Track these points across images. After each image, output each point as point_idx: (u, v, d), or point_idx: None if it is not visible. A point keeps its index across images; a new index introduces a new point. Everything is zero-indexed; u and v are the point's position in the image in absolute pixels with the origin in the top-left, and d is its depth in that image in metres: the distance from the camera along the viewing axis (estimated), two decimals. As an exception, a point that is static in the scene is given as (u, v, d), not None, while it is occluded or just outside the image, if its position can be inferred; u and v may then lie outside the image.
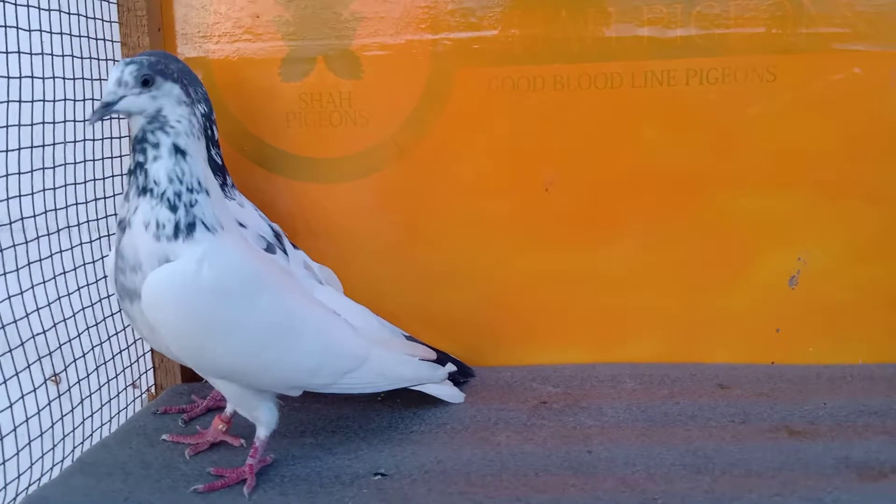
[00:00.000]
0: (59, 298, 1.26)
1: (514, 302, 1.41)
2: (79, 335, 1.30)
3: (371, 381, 1.11)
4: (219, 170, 1.22)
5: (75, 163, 1.30)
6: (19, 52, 1.18)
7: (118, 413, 1.39)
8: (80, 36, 1.30)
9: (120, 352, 1.39)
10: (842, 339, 1.36)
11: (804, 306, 1.37)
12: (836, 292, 1.36)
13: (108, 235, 1.37)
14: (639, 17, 1.32)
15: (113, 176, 1.37)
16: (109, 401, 1.37)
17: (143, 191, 0.95)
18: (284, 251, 1.24)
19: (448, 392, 1.25)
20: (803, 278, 1.36)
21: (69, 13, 1.28)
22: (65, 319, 1.28)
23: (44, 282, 1.24)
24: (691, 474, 1.00)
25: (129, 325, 1.41)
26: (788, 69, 1.31)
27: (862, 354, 1.36)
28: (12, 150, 1.17)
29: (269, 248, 1.21)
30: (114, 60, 1.35)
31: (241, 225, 1.18)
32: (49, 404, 1.24)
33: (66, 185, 1.28)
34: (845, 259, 1.35)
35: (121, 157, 1.38)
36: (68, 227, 1.29)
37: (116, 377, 1.39)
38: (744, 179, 1.35)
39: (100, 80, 1.33)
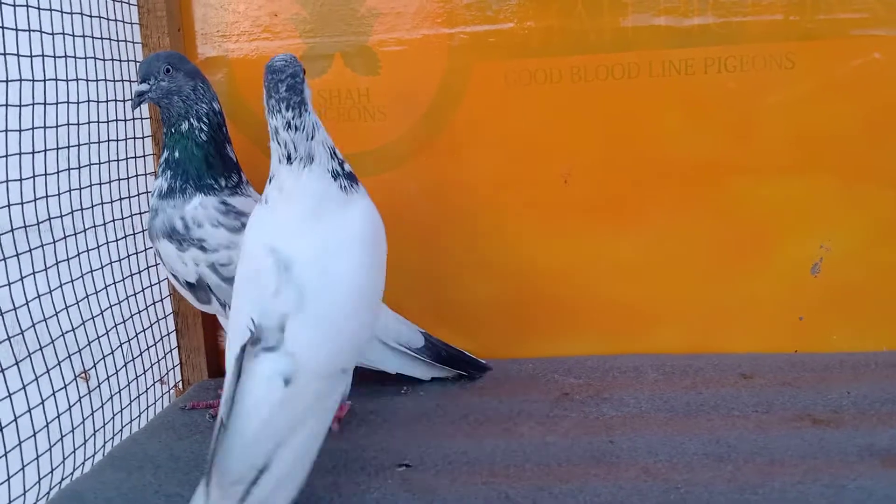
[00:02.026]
0: (87, 297, 1.29)
1: (534, 294, 1.42)
2: (107, 332, 1.32)
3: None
4: (234, 167, 1.23)
5: (100, 163, 1.32)
6: (43, 56, 1.20)
7: (147, 408, 1.41)
8: (101, 38, 1.32)
9: (147, 348, 1.41)
10: (865, 326, 1.36)
11: (827, 294, 1.36)
12: (860, 279, 1.35)
13: (134, 234, 1.39)
14: (655, 7, 1.32)
15: (137, 175, 1.39)
16: (138, 397, 1.39)
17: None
18: None
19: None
20: (826, 266, 1.36)
21: (90, 16, 1.30)
22: (93, 317, 1.30)
23: (72, 280, 1.26)
24: (714, 463, 1.00)
25: (155, 323, 1.43)
26: (807, 56, 1.30)
27: (886, 342, 1.35)
28: (38, 152, 1.19)
29: None
30: (135, 62, 1.37)
31: None
32: (79, 401, 1.26)
33: (91, 186, 1.30)
34: (868, 246, 1.34)
35: (144, 157, 1.40)
36: (94, 226, 1.31)
37: (144, 373, 1.41)
38: (764, 167, 1.34)
39: (122, 81, 1.36)
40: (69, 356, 1.25)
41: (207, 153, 1.19)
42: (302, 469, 0.94)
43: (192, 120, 1.19)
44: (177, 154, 1.19)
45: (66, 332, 1.24)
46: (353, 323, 1.03)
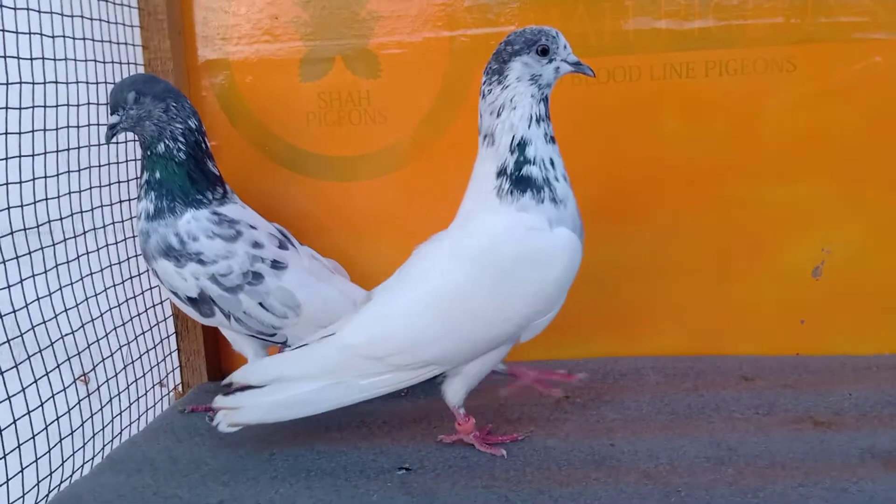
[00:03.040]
0: (86, 299, 1.29)
1: (535, 297, 1.41)
2: (106, 335, 1.32)
3: None
4: (217, 180, 1.23)
5: (100, 165, 1.32)
6: (43, 59, 1.20)
7: (146, 411, 1.41)
8: (102, 41, 1.32)
9: (147, 351, 1.41)
10: (867, 329, 1.35)
11: (829, 297, 1.36)
12: (861, 282, 1.35)
13: (134, 237, 1.39)
14: (656, 10, 1.32)
15: (137, 178, 1.39)
16: (137, 399, 1.39)
17: None
18: (295, 246, 1.26)
19: None
20: (827, 268, 1.35)
21: (91, 19, 1.30)
22: (92, 320, 1.30)
23: (71, 283, 1.26)
24: (715, 466, 1.00)
25: (155, 325, 1.43)
26: (808, 59, 1.30)
27: (887, 344, 1.34)
28: (38, 154, 1.19)
29: (282, 245, 1.23)
30: (136, 64, 1.37)
31: (251, 227, 1.20)
32: (78, 403, 1.26)
33: (91, 188, 1.31)
34: (869, 248, 1.34)
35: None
36: (94, 228, 1.31)
37: (144, 376, 1.41)
38: (765, 170, 1.34)
39: (123, 83, 1.36)
40: (69, 359, 1.25)
41: (189, 170, 1.19)
42: (285, 410, 1.06)
43: (167, 141, 1.17)
44: (158, 175, 1.18)
45: (66, 334, 1.24)
46: (404, 324, 1.02)
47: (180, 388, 1.46)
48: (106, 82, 1.32)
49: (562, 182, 1.01)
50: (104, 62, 1.32)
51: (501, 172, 1.00)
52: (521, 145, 0.99)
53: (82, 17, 1.28)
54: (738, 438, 1.06)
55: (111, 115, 1.16)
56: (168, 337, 1.45)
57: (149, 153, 1.19)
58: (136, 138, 1.21)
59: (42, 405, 1.18)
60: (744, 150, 1.34)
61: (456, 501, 0.96)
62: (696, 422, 1.13)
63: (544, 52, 0.99)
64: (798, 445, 1.04)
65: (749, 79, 1.32)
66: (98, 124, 1.31)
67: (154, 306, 1.43)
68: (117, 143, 1.35)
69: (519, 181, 0.99)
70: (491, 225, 1.00)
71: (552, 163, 1.01)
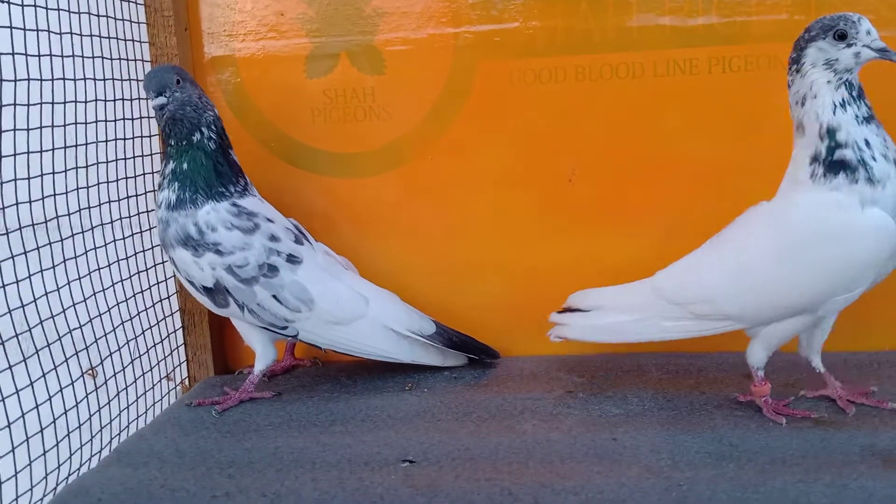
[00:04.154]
0: (94, 294, 1.30)
1: (539, 292, 1.42)
2: (114, 330, 1.34)
3: None
4: (239, 171, 1.24)
5: (107, 161, 1.33)
6: (51, 55, 1.21)
7: (153, 405, 1.42)
8: (108, 38, 1.33)
9: (154, 345, 1.42)
10: (868, 326, 1.35)
11: (830, 294, 1.36)
12: (864, 279, 1.35)
13: (141, 232, 1.40)
14: (660, 6, 1.32)
15: (144, 174, 1.40)
16: (144, 393, 1.40)
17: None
18: (310, 242, 1.27)
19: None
20: (829, 266, 1.35)
21: (98, 15, 1.31)
22: (100, 314, 1.31)
23: (79, 278, 1.27)
24: (716, 461, 1.00)
25: (162, 320, 1.44)
26: (812, 56, 1.30)
27: (889, 341, 1.35)
28: (46, 151, 1.20)
29: (298, 240, 1.24)
30: (142, 61, 1.38)
31: (269, 220, 1.21)
32: (86, 397, 1.27)
33: (98, 184, 1.31)
34: (872, 246, 1.34)
35: (151, 155, 1.41)
36: (101, 224, 1.32)
37: (151, 370, 1.42)
38: (768, 168, 1.32)
39: (129, 80, 1.36)
40: (76, 353, 1.26)
41: (216, 161, 1.21)
42: (598, 334, 1.23)
43: (202, 129, 1.20)
44: (185, 165, 1.19)
45: (74, 329, 1.25)
46: (708, 276, 1.13)
47: (187, 382, 1.47)
48: (112, 79, 1.33)
49: (881, 162, 1.02)
50: (111, 59, 1.33)
51: (815, 159, 1.04)
52: (830, 132, 1.02)
53: (89, 13, 1.29)
54: (740, 435, 1.07)
55: (157, 97, 1.17)
56: (175, 331, 1.46)
57: (182, 143, 1.20)
58: (157, 132, 1.21)
59: (50, 399, 1.19)
60: (747, 147, 1.34)
61: (459, 494, 0.96)
62: (698, 418, 1.13)
63: (842, 36, 1.02)
64: (799, 442, 1.04)
65: (753, 76, 1.32)
66: (105, 120, 1.32)
67: (161, 300, 1.44)
68: (125, 139, 1.36)
69: (832, 165, 1.02)
70: (798, 201, 1.06)
71: (867, 143, 1.02)
